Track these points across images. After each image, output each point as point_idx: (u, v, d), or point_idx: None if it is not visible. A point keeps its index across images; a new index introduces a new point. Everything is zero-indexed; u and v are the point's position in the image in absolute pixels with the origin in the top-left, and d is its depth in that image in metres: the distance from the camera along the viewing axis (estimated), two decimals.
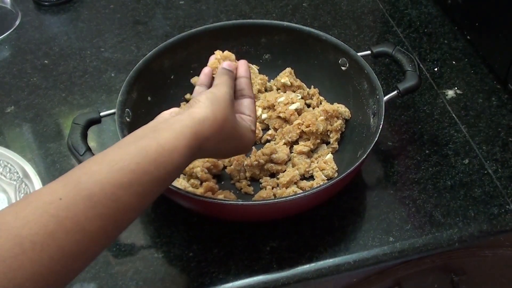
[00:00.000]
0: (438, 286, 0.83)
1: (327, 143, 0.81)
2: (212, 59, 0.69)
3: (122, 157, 0.49)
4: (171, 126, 0.53)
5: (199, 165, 0.76)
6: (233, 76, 0.66)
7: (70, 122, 0.71)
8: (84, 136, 0.70)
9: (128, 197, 0.47)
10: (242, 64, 0.69)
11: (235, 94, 0.67)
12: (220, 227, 0.72)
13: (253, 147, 0.79)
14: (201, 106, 0.56)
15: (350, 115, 0.81)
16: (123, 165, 0.48)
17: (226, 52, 0.70)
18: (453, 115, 0.87)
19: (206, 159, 0.76)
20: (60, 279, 0.43)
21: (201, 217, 0.73)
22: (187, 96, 0.85)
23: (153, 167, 0.49)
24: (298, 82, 0.85)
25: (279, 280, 0.68)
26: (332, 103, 0.82)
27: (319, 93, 0.85)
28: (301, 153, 0.78)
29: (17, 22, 1.02)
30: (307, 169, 0.77)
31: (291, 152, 0.79)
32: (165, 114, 0.59)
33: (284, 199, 0.66)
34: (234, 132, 0.60)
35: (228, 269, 0.68)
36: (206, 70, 0.69)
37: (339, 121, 0.80)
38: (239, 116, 0.64)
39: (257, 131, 0.81)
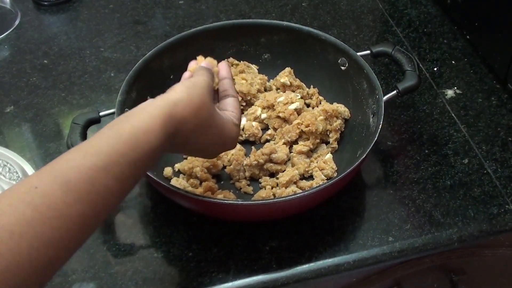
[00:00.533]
0: (438, 285, 0.83)
1: (327, 142, 0.81)
2: (192, 64, 0.69)
3: (96, 142, 0.48)
4: (145, 109, 0.52)
5: (198, 165, 0.76)
6: (212, 72, 0.65)
7: (70, 122, 0.71)
8: (84, 136, 0.70)
9: (106, 180, 0.46)
10: (223, 65, 0.69)
11: (219, 95, 0.67)
12: (219, 227, 0.72)
13: (253, 147, 0.79)
14: (176, 90, 0.56)
15: (349, 114, 0.81)
16: (97, 150, 0.47)
17: (209, 58, 0.69)
18: (453, 114, 0.87)
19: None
20: (43, 269, 0.43)
21: (200, 217, 0.73)
22: None
23: (128, 148, 0.48)
24: (297, 82, 0.85)
25: (278, 280, 0.68)
26: (331, 103, 0.82)
27: (318, 92, 0.85)
28: (300, 152, 0.78)
29: (17, 22, 1.02)
30: (306, 169, 0.77)
31: (290, 152, 0.79)
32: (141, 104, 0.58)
33: (284, 199, 0.66)
34: (213, 119, 0.59)
35: (228, 269, 0.68)
36: (186, 75, 0.67)
37: (339, 121, 0.80)
38: (222, 112, 0.64)
39: (256, 131, 0.81)
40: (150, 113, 0.52)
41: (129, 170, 0.48)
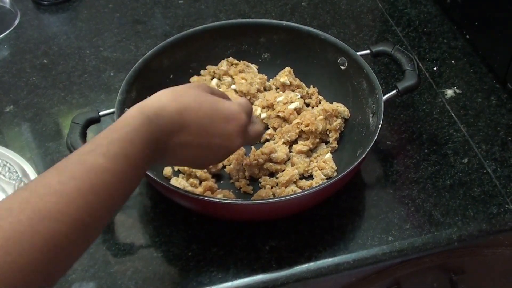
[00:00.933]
0: (437, 285, 0.83)
1: (326, 142, 0.81)
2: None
3: (85, 144, 0.52)
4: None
5: None
6: (206, 85, 0.64)
7: (69, 121, 0.71)
8: (83, 136, 0.70)
9: (94, 157, 0.49)
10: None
11: None
12: (219, 227, 0.72)
13: (252, 147, 0.79)
14: (158, 92, 0.58)
15: (349, 114, 0.81)
16: (86, 145, 0.51)
17: None
18: (452, 114, 0.87)
19: None
20: (46, 244, 0.43)
21: (200, 216, 0.73)
22: None
23: (110, 132, 0.52)
24: (297, 81, 0.85)
25: (278, 279, 0.68)
26: (331, 103, 0.82)
27: (318, 92, 0.85)
28: (300, 152, 0.78)
29: (16, 22, 1.02)
30: (306, 169, 0.77)
31: (290, 152, 0.79)
32: None
33: (283, 198, 0.66)
34: (203, 98, 0.58)
35: (227, 268, 0.68)
36: None
37: (338, 121, 0.80)
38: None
39: None
40: (129, 109, 0.55)
41: (113, 148, 0.50)
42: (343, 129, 0.81)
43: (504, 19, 0.86)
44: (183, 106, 0.56)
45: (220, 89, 0.83)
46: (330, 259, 0.69)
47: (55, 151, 0.81)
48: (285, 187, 0.74)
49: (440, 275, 0.81)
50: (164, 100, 0.56)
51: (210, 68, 0.86)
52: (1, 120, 0.86)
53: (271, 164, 0.76)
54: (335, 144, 0.80)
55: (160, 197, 0.74)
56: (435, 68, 0.94)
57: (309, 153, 0.79)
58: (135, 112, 0.54)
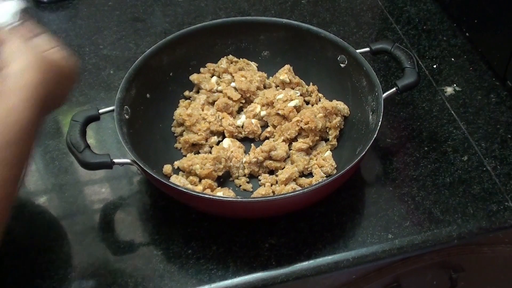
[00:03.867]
0: (437, 283, 0.84)
1: (326, 140, 0.81)
2: None
3: None
4: None
5: (198, 162, 0.76)
6: None
7: (69, 119, 0.71)
8: (83, 133, 0.70)
9: None
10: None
11: None
12: (218, 224, 0.72)
13: (252, 144, 0.79)
14: None
15: (349, 112, 0.81)
16: None
17: None
18: (452, 112, 0.87)
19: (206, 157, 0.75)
20: None
21: (199, 214, 0.73)
22: (186, 93, 0.85)
23: None
24: (297, 79, 0.85)
25: (278, 277, 0.68)
26: (331, 100, 0.82)
27: (318, 90, 0.85)
28: (300, 150, 0.78)
29: None
30: (306, 166, 0.77)
31: (290, 149, 0.79)
32: None
33: (283, 196, 0.66)
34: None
35: (227, 266, 0.68)
36: None
37: (338, 118, 0.80)
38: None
39: (255, 128, 0.81)
40: None
41: None
42: (342, 127, 0.81)
43: (503, 17, 0.86)
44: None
45: (220, 87, 0.84)
46: (329, 257, 0.69)
47: (54, 149, 0.81)
48: (285, 185, 0.74)
49: (440, 272, 0.81)
50: None
51: (210, 65, 0.86)
52: None
53: (270, 161, 0.76)
54: (334, 142, 0.80)
55: (160, 195, 0.74)
56: (434, 66, 0.94)
57: (308, 150, 0.79)
58: None
